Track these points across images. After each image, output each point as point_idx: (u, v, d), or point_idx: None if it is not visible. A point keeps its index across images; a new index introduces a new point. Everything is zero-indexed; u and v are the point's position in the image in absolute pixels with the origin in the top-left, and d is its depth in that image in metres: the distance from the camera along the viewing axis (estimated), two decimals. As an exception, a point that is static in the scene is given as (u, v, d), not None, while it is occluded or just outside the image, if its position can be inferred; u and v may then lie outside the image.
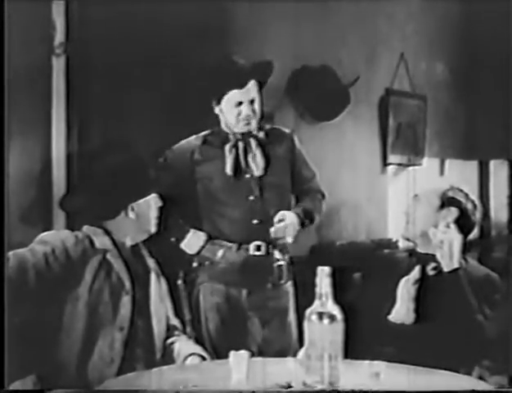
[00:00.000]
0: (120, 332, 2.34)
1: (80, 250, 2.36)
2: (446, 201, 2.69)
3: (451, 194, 2.70)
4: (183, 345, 2.47)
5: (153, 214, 2.52)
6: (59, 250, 2.33)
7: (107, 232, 2.46)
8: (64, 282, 2.32)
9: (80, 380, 2.29)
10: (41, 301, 2.30)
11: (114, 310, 2.35)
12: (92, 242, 2.41)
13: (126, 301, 2.38)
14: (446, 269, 2.56)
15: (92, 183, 2.48)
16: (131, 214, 2.47)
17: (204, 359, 2.40)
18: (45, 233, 2.44)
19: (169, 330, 2.53)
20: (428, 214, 2.68)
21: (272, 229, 2.87)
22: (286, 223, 2.87)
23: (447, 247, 2.56)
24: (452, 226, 2.59)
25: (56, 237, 2.39)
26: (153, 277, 2.51)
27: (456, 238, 2.57)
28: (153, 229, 2.54)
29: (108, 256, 2.40)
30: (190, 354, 2.41)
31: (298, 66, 4.44)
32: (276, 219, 2.88)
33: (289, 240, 2.90)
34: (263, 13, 4.17)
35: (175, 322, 2.57)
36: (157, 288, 2.50)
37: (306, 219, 2.99)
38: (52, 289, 2.31)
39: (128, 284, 2.39)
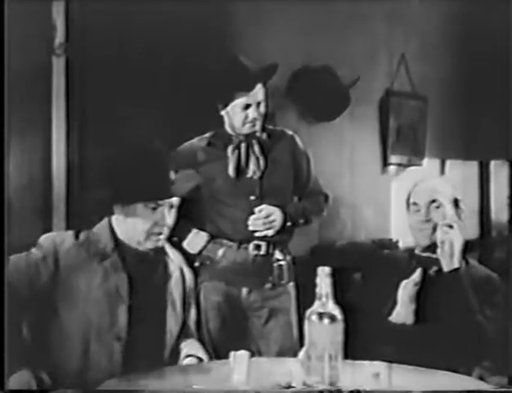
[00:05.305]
0: (118, 342, 2.32)
1: (74, 256, 2.33)
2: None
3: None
4: (186, 347, 2.45)
5: (143, 226, 2.37)
6: (50, 257, 2.31)
7: (115, 234, 2.41)
8: (56, 290, 2.30)
9: (80, 381, 2.28)
10: (36, 308, 2.29)
11: (111, 319, 2.32)
12: (89, 248, 2.37)
13: (122, 310, 2.34)
14: (446, 269, 2.56)
15: (96, 183, 2.46)
16: (116, 215, 2.41)
17: (201, 360, 2.39)
18: (45, 235, 2.41)
19: (183, 331, 2.51)
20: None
21: (251, 220, 2.89)
22: (270, 218, 2.89)
23: (448, 247, 2.56)
24: (455, 226, 2.59)
25: (51, 241, 2.35)
26: (175, 277, 2.47)
27: (457, 238, 2.57)
28: (142, 241, 2.38)
29: (105, 263, 2.37)
30: (188, 356, 2.39)
31: (299, 66, 4.44)
32: (262, 212, 2.90)
33: (270, 233, 2.92)
34: (264, 14, 4.18)
35: (191, 323, 2.55)
36: (179, 285, 2.48)
37: (299, 218, 2.99)
38: (45, 297, 2.29)
39: (125, 293, 2.36)
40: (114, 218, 2.42)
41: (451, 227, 2.58)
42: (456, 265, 2.55)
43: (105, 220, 2.43)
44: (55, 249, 2.33)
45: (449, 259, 2.55)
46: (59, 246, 2.34)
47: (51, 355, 2.29)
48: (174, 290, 2.48)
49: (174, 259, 2.53)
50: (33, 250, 2.33)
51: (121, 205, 2.37)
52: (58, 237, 2.39)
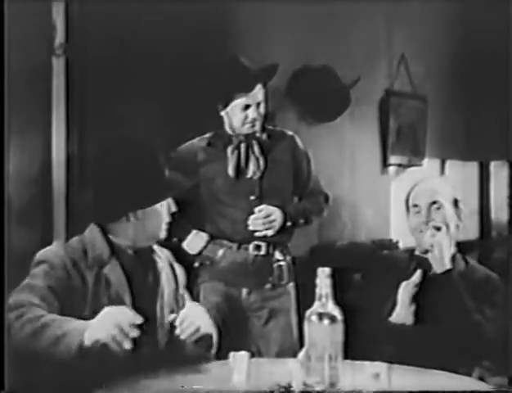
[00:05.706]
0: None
1: (73, 261, 2.31)
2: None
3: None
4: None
5: (161, 221, 2.40)
6: (57, 263, 2.29)
7: (108, 238, 2.39)
8: (70, 293, 2.28)
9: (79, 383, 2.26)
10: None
11: None
12: (86, 253, 2.35)
13: None
14: (438, 271, 2.57)
15: (95, 184, 2.43)
16: (132, 219, 2.39)
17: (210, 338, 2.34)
18: (38, 254, 2.38)
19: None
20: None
21: (251, 219, 2.90)
22: (270, 218, 2.90)
23: (437, 250, 2.56)
24: (443, 228, 2.60)
25: (49, 252, 2.34)
26: (165, 272, 2.45)
27: (445, 240, 2.57)
28: (162, 235, 2.42)
29: (105, 270, 2.34)
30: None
31: (299, 66, 4.44)
32: (261, 212, 2.90)
33: (269, 233, 2.92)
34: (264, 14, 4.18)
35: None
36: (170, 280, 2.46)
37: (299, 218, 3.00)
38: (64, 300, 2.27)
39: (127, 298, 2.34)
40: (123, 224, 2.39)
41: (438, 229, 2.59)
42: (448, 266, 2.56)
43: (94, 227, 2.41)
44: (56, 255, 2.31)
45: (439, 261, 2.56)
46: (58, 253, 2.32)
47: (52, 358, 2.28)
48: (166, 286, 2.47)
49: (162, 255, 2.51)
50: (34, 269, 2.30)
51: (133, 210, 2.36)
52: (53, 248, 2.37)
